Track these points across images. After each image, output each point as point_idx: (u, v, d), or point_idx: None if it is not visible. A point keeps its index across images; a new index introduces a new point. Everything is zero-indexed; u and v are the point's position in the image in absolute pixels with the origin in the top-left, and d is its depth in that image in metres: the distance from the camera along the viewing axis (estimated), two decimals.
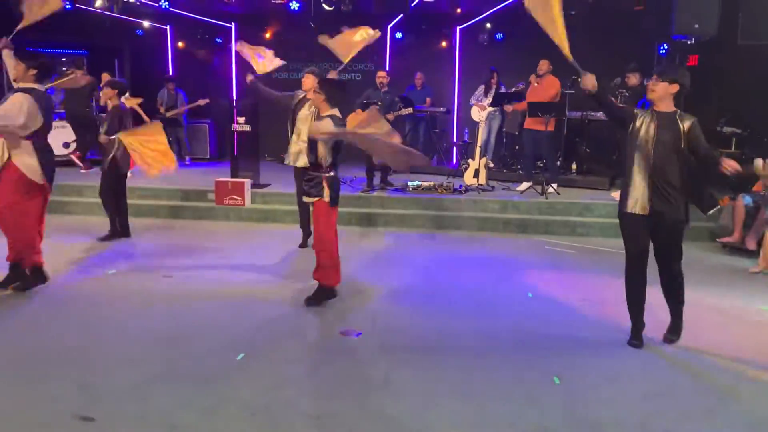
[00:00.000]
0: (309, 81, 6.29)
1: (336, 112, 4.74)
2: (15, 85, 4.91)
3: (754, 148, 8.39)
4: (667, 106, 4.06)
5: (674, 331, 4.30)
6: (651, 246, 4.16)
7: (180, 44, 12.19)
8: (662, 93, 4.02)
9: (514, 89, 9.59)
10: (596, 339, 4.34)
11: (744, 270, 6.15)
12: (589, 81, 4.03)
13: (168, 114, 10.95)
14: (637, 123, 4.07)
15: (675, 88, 4.01)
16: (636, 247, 4.15)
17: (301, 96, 6.51)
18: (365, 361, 3.94)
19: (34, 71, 4.86)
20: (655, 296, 4.26)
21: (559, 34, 4.08)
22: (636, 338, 4.23)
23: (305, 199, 4.90)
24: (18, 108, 4.70)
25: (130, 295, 5.06)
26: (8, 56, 5.15)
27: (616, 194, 8.05)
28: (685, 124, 3.98)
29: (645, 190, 4.02)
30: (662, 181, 3.99)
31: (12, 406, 3.27)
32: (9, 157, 4.80)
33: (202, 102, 10.93)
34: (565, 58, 4.12)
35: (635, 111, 4.16)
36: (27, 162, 4.83)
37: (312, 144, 4.71)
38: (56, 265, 5.52)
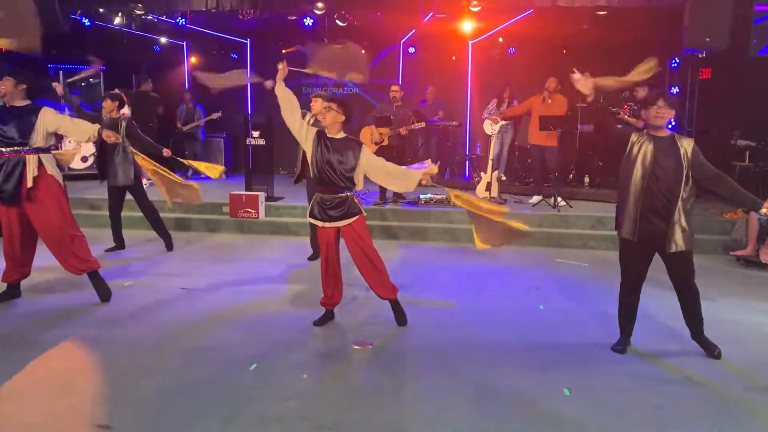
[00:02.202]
0: (318, 105, 6.06)
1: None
2: (21, 102, 4.92)
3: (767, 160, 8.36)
4: (664, 131, 4.08)
5: (709, 348, 4.26)
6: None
7: (193, 59, 12.38)
8: (668, 119, 4.06)
9: None
10: (608, 351, 4.34)
11: (758, 283, 6.11)
12: (583, 84, 4.10)
13: (185, 128, 11.12)
14: (634, 150, 4.06)
15: (672, 113, 4.09)
16: (631, 271, 4.25)
17: (311, 121, 6.20)
18: (378, 373, 3.97)
19: (24, 86, 4.93)
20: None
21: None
22: (620, 344, 4.34)
23: (340, 223, 4.55)
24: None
25: (145, 306, 5.14)
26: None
27: None
28: (687, 148, 3.98)
29: (637, 216, 4.03)
30: (653, 208, 3.98)
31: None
32: (42, 171, 4.91)
33: (215, 115, 11.09)
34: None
35: (632, 136, 4.13)
36: (56, 171, 5.03)
37: (349, 173, 4.49)
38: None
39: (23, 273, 5.20)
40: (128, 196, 7.02)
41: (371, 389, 3.74)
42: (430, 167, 4.68)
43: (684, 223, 3.98)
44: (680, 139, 4.05)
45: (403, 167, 4.79)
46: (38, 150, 4.90)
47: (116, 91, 7.36)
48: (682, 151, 3.98)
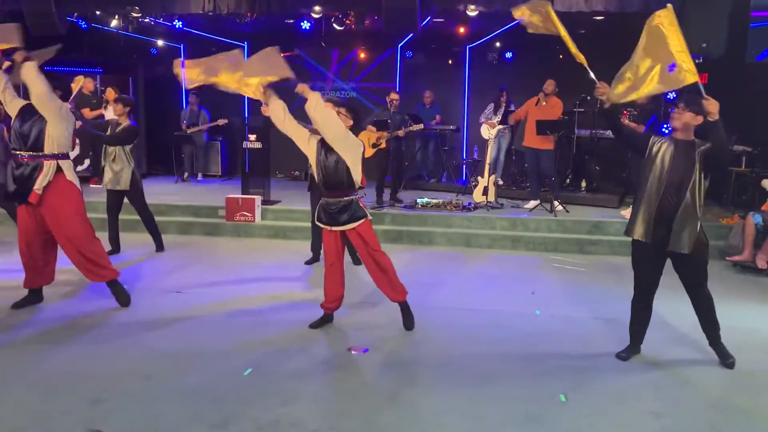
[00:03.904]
0: None
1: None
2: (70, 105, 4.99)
3: (764, 166, 8.37)
4: (687, 135, 4.02)
5: (724, 356, 4.22)
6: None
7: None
8: (687, 122, 3.99)
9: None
10: (604, 357, 4.32)
11: (755, 288, 6.11)
12: (605, 90, 4.06)
13: (189, 131, 11.12)
14: (654, 150, 4.04)
15: (699, 119, 3.97)
16: (644, 275, 4.17)
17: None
18: (373, 378, 3.95)
19: (60, 92, 4.96)
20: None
21: (563, 35, 4.20)
22: (626, 351, 4.30)
23: (346, 227, 4.58)
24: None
25: (140, 310, 5.12)
26: (31, 69, 4.74)
27: (626, 212, 8.06)
28: (701, 151, 3.94)
29: (652, 218, 3.99)
30: (666, 211, 3.96)
31: (25, 421, 3.31)
32: (60, 176, 4.88)
33: (221, 122, 11.13)
34: (577, 60, 4.14)
35: (651, 138, 4.11)
36: (75, 177, 5.00)
37: (345, 165, 4.50)
38: (69, 280, 5.59)
39: (46, 279, 5.13)
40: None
41: (367, 394, 3.72)
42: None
43: (695, 227, 3.94)
44: (700, 145, 3.98)
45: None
46: (56, 156, 4.86)
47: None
48: (696, 153, 3.94)
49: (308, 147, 4.63)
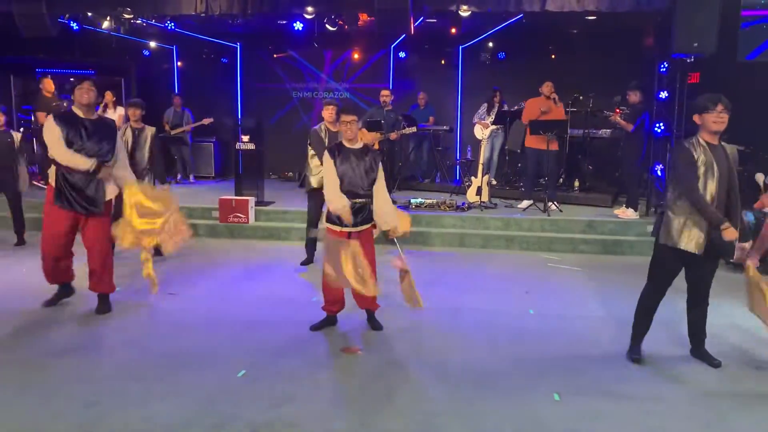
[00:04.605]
0: (329, 112, 6.24)
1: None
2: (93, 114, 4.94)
3: (756, 165, 8.41)
4: (717, 138, 3.97)
5: (709, 358, 4.22)
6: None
7: (179, 64, 12.36)
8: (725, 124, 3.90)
9: (516, 107, 9.68)
10: (597, 356, 4.34)
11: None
12: (731, 234, 3.84)
13: (173, 132, 11.05)
14: (699, 162, 3.88)
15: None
16: (667, 279, 4.13)
17: (325, 128, 6.30)
18: (368, 379, 3.95)
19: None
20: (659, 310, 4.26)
21: None
22: (637, 353, 4.25)
23: (356, 229, 4.59)
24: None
25: (134, 312, 5.10)
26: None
27: (620, 212, 8.08)
28: (732, 154, 3.94)
29: (705, 228, 3.89)
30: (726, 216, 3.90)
31: (18, 422, 3.30)
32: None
33: (206, 121, 11.04)
34: None
35: (692, 152, 3.90)
36: (113, 189, 5.04)
37: (372, 178, 4.59)
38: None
39: (69, 275, 5.19)
40: None
41: (362, 395, 3.72)
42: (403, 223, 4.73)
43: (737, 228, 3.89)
44: (725, 146, 3.97)
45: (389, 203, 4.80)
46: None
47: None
48: (731, 157, 3.93)
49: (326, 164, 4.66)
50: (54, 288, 5.21)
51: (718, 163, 3.88)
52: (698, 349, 4.30)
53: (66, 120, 4.77)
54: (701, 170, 3.87)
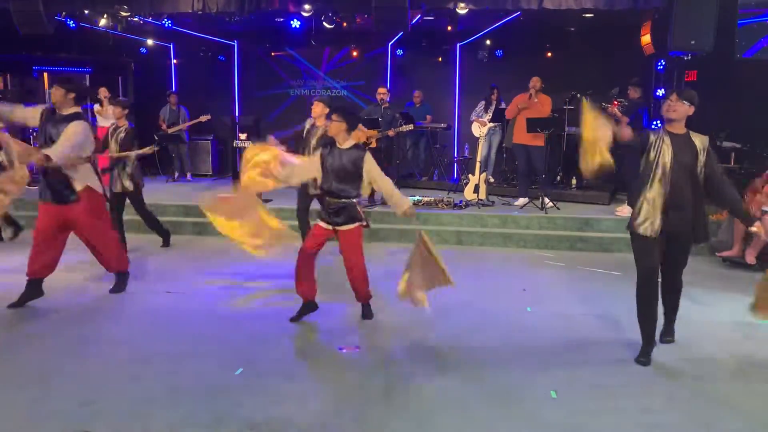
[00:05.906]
0: (318, 109, 6.31)
1: (354, 141, 4.76)
2: (60, 112, 5.01)
3: (753, 163, 8.43)
4: (681, 128, 4.05)
5: (671, 332, 4.48)
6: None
7: (174, 62, 12.35)
8: (682, 114, 4.01)
9: None
10: (595, 353, 4.34)
11: (744, 284, 6.14)
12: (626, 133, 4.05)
13: (170, 130, 11.04)
14: (654, 148, 4.02)
15: (691, 110, 4.02)
16: (647, 265, 4.11)
17: (311, 124, 6.46)
18: (365, 376, 3.95)
19: (73, 95, 5.03)
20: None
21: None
22: (644, 356, 4.16)
23: (340, 228, 4.72)
24: (84, 136, 4.95)
25: (131, 310, 5.10)
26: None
27: (620, 210, 8.06)
28: (700, 145, 4.00)
29: (658, 213, 3.99)
30: (677, 203, 3.97)
31: (13, 423, 3.29)
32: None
33: (203, 118, 11.02)
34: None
35: (649, 135, 4.09)
36: (93, 182, 5.14)
37: (356, 178, 4.67)
38: (59, 280, 5.55)
39: (50, 269, 5.24)
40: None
41: (359, 392, 3.72)
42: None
43: (702, 216, 4.02)
44: (695, 136, 4.05)
45: (392, 189, 4.82)
46: None
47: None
48: (696, 146, 4.00)
49: (315, 168, 4.79)
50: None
51: (677, 152, 3.96)
52: (669, 324, 4.45)
53: (45, 117, 5.04)
54: (651, 155, 4.01)
